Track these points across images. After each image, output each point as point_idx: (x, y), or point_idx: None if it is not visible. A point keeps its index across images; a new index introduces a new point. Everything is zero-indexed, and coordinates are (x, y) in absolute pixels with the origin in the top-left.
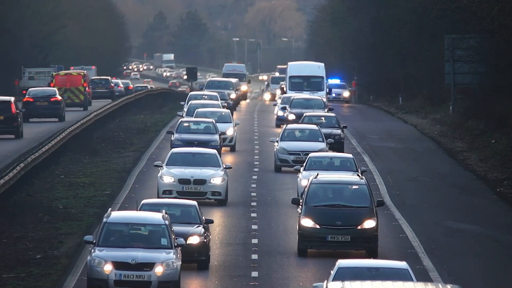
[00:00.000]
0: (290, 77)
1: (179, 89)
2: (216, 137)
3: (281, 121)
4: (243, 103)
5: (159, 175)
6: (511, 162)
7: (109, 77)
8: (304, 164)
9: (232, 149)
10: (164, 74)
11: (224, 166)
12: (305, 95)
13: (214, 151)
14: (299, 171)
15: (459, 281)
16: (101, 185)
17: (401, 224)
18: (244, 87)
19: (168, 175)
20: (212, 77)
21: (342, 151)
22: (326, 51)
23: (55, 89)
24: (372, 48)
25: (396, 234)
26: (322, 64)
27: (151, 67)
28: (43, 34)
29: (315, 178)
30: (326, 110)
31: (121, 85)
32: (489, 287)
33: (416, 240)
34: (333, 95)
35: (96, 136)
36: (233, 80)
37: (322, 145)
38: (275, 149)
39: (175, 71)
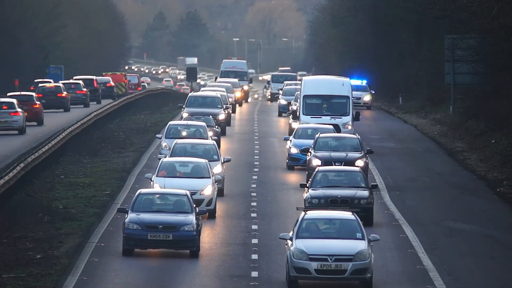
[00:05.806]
0: (305, 96)
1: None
2: (191, 218)
3: (295, 162)
4: (244, 105)
5: None
6: (511, 162)
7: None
8: None
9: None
10: (178, 77)
11: None
12: (330, 128)
13: None
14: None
15: (459, 281)
16: (101, 185)
17: (401, 224)
18: (245, 87)
19: None
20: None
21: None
22: (326, 51)
23: (110, 78)
24: (372, 48)
25: (396, 234)
26: (347, 79)
27: (177, 70)
28: (43, 34)
29: None
30: (363, 153)
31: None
32: (489, 287)
33: (416, 240)
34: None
35: (96, 136)
36: (222, 92)
37: (362, 244)
38: (287, 252)
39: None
